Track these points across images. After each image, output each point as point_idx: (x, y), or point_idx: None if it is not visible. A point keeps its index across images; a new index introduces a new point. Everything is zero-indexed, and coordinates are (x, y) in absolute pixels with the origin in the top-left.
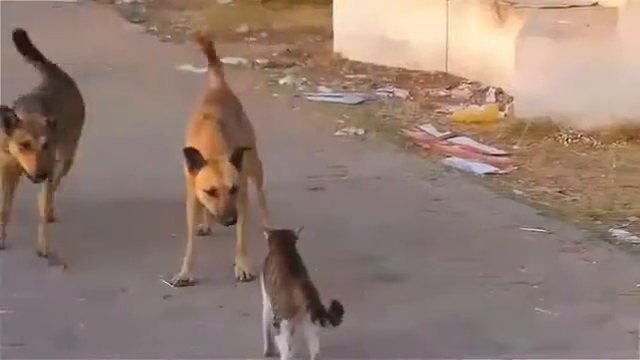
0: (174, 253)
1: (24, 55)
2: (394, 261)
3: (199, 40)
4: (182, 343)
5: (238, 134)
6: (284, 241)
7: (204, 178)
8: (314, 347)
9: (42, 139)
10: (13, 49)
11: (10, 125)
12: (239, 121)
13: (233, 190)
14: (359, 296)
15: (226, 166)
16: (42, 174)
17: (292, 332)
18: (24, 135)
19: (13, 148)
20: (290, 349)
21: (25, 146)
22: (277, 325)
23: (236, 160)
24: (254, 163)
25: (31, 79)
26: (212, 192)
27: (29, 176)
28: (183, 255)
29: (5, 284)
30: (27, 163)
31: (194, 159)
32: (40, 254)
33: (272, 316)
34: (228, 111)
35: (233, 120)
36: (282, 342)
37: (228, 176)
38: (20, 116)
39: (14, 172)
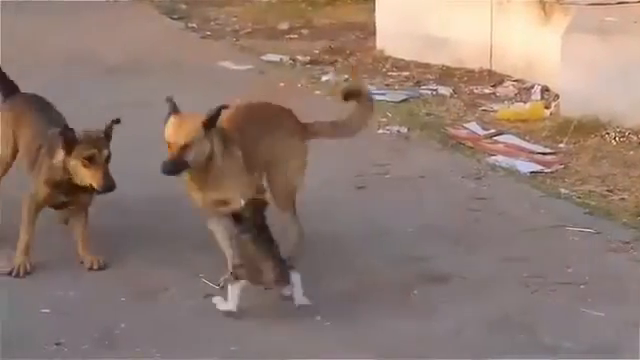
0: (214, 252)
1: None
2: (440, 261)
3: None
4: (222, 343)
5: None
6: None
7: None
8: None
9: (105, 152)
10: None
11: (71, 142)
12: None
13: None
14: (407, 297)
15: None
16: (110, 186)
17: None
18: (88, 149)
19: (75, 164)
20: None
21: (90, 160)
22: (237, 279)
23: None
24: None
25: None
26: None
27: (97, 191)
28: (222, 253)
29: (46, 283)
30: (94, 177)
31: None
32: (91, 268)
33: (233, 267)
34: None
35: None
36: (234, 294)
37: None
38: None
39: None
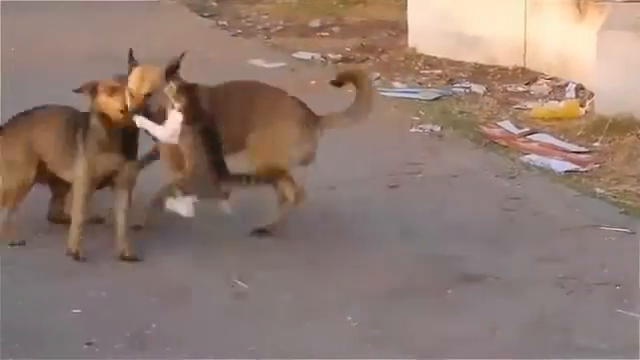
0: (245, 251)
1: None
2: (474, 261)
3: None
4: (253, 343)
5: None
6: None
7: None
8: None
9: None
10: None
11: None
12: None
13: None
14: (441, 297)
15: None
16: (138, 106)
17: None
18: (110, 83)
19: (102, 99)
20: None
21: (113, 89)
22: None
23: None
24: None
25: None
26: None
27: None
28: (255, 253)
29: (77, 283)
30: (121, 101)
31: None
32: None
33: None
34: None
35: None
36: (182, 207)
37: None
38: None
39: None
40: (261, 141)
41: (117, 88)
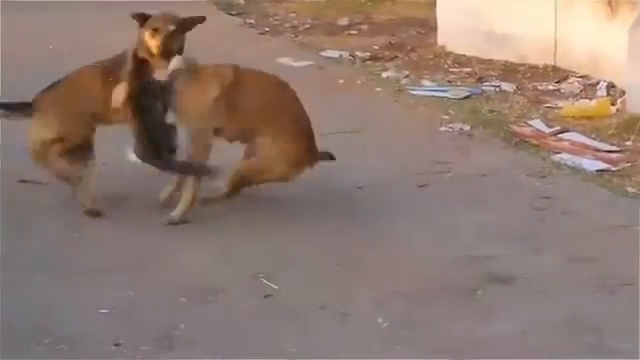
0: (274, 250)
1: None
2: (504, 261)
3: None
4: (283, 344)
5: None
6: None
7: None
8: None
9: (171, 27)
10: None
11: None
12: None
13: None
14: (470, 298)
15: None
16: (168, 53)
17: None
18: (156, 22)
19: (144, 33)
20: None
21: (155, 30)
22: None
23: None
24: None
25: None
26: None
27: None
28: (283, 251)
29: (105, 283)
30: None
31: None
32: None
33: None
34: None
35: None
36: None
37: None
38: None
39: None
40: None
41: (158, 30)
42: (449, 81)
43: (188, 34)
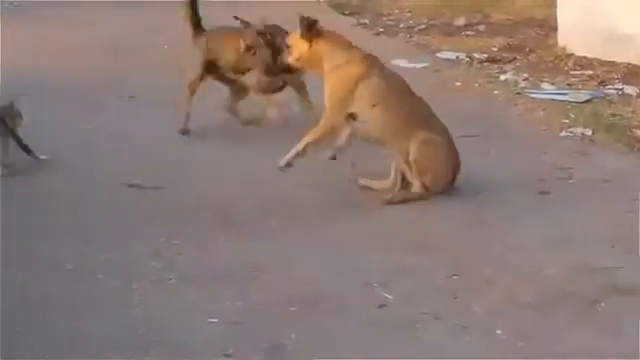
0: (387, 258)
1: None
2: (629, 272)
3: None
4: (397, 356)
5: None
6: None
7: None
8: None
9: None
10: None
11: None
12: None
13: None
14: (591, 310)
15: None
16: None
17: None
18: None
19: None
20: None
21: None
22: None
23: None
24: None
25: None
26: None
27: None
28: (395, 257)
29: (213, 292)
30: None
31: None
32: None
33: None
34: None
35: None
36: None
37: None
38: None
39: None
40: None
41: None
42: (569, 84)
43: None
